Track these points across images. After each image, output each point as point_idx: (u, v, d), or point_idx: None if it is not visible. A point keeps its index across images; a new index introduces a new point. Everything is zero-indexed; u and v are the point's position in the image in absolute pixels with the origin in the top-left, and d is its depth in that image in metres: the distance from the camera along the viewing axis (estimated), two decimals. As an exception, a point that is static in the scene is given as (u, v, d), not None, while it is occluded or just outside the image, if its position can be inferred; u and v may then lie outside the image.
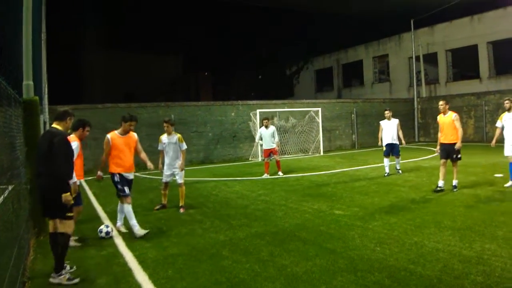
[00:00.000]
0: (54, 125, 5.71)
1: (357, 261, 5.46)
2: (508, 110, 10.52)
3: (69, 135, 6.27)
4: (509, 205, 8.19)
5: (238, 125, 22.02)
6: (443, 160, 10.09)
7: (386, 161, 13.29)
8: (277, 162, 14.59)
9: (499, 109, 23.12)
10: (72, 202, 5.50)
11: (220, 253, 6.13)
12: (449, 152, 10.01)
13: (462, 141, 10.00)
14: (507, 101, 10.58)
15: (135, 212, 7.54)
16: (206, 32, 47.21)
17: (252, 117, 21.50)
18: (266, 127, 14.33)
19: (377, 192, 10.32)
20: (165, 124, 9.36)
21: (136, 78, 44.29)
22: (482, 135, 25.13)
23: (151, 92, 42.05)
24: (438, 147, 10.34)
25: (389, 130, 13.26)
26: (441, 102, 10.08)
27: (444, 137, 10.12)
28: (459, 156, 9.97)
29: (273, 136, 14.30)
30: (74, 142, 6.44)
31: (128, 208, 7.37)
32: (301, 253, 5.90)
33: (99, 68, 43.15)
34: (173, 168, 9.41)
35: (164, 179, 9.57)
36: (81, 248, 6.70)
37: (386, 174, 13.07)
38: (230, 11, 41.24)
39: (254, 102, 23.30)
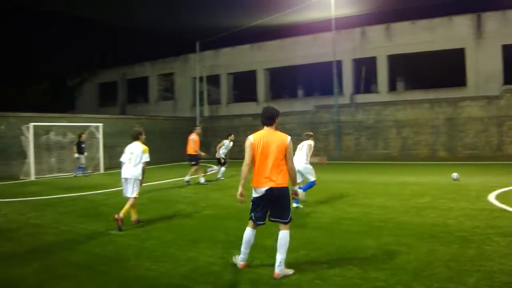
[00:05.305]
0: None
1: (131, 282, 5.38)
2: None
3: None
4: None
5: (8, 139, 19.70)
6: None
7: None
8: None
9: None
10: None
11: (-27, 287, 5.38)
12: None
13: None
14: None
15: None
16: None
17: (25, 131, 19.50)
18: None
19: (155, 210, 10.38)
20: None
21: None
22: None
23: None
24: None
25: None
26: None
27: None
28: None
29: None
30: None
31: None
32: (72, 279, 5.55)
33: None
34: None
35: None
36: None
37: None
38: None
39: (27, 114, 21.11)
